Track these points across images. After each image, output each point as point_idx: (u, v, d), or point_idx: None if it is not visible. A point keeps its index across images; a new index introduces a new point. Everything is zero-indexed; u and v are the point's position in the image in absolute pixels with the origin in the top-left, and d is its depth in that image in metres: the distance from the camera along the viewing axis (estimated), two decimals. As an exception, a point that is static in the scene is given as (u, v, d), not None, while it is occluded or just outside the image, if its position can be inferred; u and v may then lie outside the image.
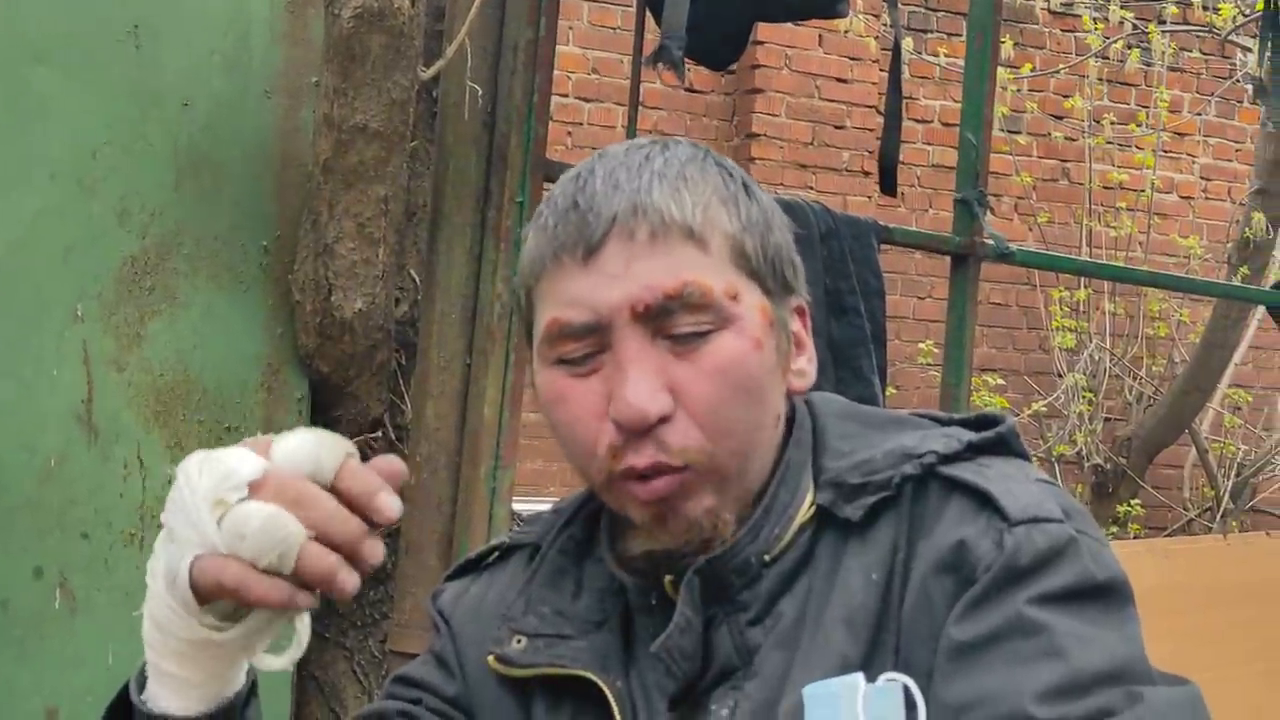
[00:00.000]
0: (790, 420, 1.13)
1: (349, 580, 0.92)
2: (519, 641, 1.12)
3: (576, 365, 1.06)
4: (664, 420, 1.03)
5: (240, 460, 0.94)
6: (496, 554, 1.24)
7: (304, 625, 0.99)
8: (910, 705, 0.95)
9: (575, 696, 1.10)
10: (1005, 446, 1.10)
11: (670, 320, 1.04)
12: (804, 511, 1.08)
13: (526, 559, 1.20)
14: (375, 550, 0.93)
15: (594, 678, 1.08)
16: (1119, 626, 0.98)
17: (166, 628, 0.97)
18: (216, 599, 0.94)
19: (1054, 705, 0.92)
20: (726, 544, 1.07)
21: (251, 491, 0.92)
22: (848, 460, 1.09)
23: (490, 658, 1.13)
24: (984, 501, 1.02)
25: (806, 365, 1.13)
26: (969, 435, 1.09)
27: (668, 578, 1.08)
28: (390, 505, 0.94)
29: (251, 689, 1.04)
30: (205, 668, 0.99)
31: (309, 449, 0.94)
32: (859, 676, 0.96)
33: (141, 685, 1.01)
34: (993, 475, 1.04)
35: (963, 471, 1.05)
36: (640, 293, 1.03)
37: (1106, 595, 0.99)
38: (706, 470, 1.04)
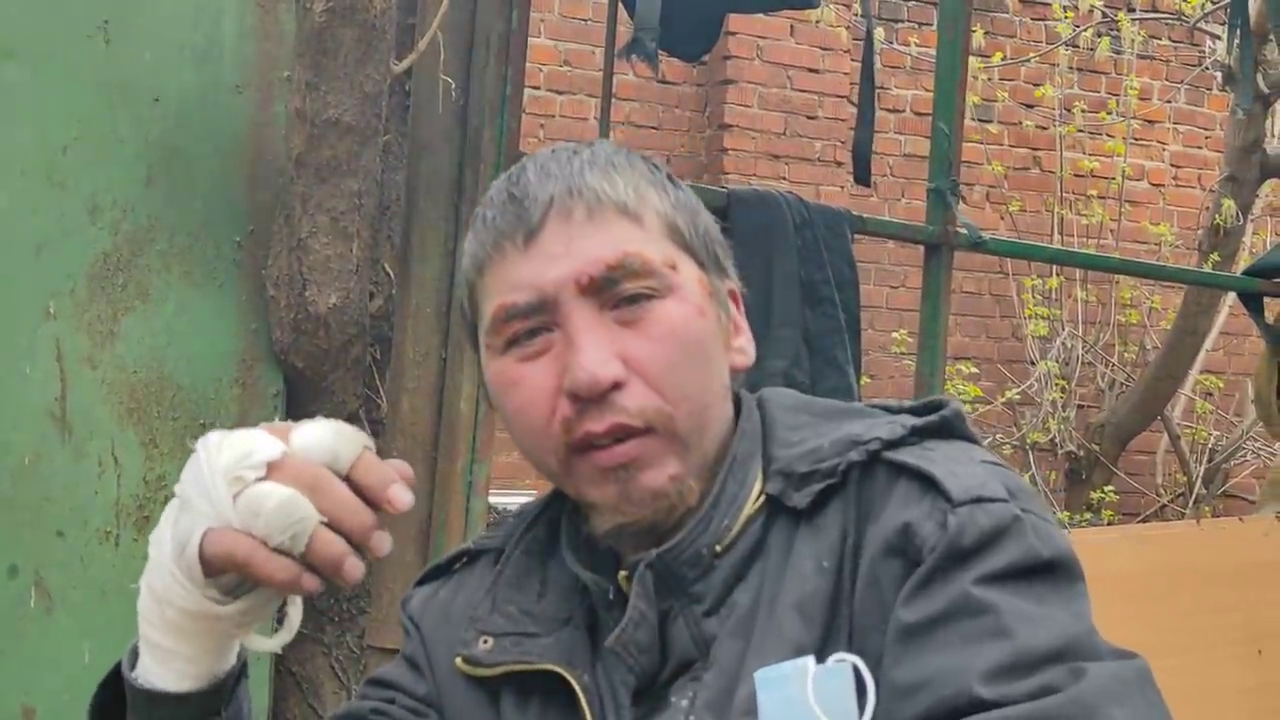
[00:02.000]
0: (736, 415, 1.14)
1: (356, 568, 0.94)
2: (486, 642, 1.13)
3: (525, 346, 1.08)
4: (618, 387, 1.05)
5: (260, 441, 0.96)
6: (464, 559, 1.25)
7: (296, 610, 1.00)
8: (860, 686, 0.96)
9: (543, 693, 1.11)
10: (950, 430, 1.11)
11: (615, 289, 1.06)
12: (752, 501, 1.09)
13: (491, 563, 1.21)
14: (383, 542, 0.95)
15: (562, 671, 1.09)
16: (1066, 604, 0.98)
17: (165, 597, 0.97)
18: (223, 572, 0.95)
19: (999, 684, 0.93)
20: (689, 519, 1.08)
21: (269, 472, 0.94)
22: (796, 449, 1.10)
23: (458, 659, 1.14)
24: (928, 484, 1.03)
25: (746, 344, 1.15)
26: (913, 420, 1.10)
27: (622, 573, 1.10)
28: (402, 497, 0.96)
29: (241, 669, 1.04)
30: (198, 643, 0.99)
31: (328, 439, 0.96)
32: (809, 659, 0.97)
33: (133, 663, 1.02)
34: (937, 458, 1.05)
35: (907, 456, 1.06)
36: (583, 266, 1.06)
37: (1053, 572, 1.00)
38: (668, 432, 1.06)
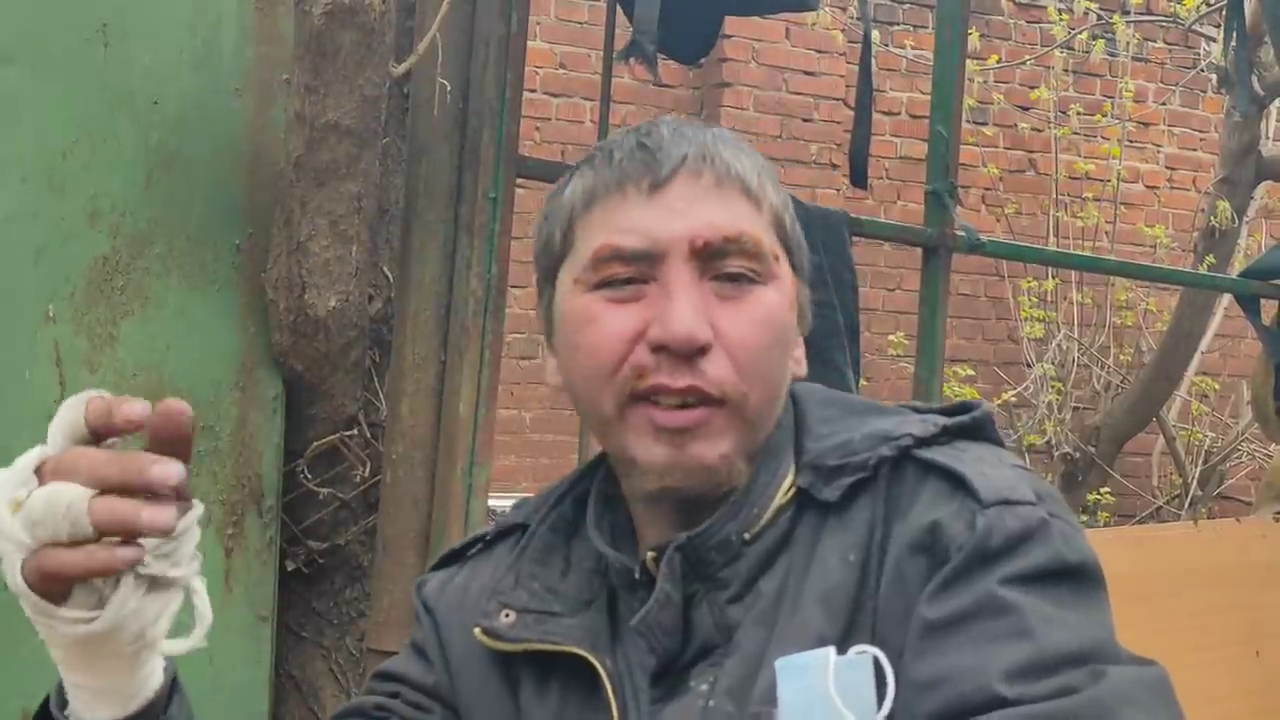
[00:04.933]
0: None
1: (158, 516, 0.88)
2: (507, 616, 1.13)
3: (617, 290, 1.08)
4: (704, 352, 1.05)
5: (22, 458, 0.92)
6: (481, 544, 1.25)
7: (203, 602, 0.95)
8: (880, 678, 0.96)
9: (563, 674, 1.12)
10: (980, 432, 1.12)
11: (721, 261, 1.08)
12: (784, 492, 1.10)
13: (514, 541, 1.21)
14: (168, 472, 0.89)
15: (587, 655, 1.10)
16: (1088, 609, 1.00)
17: (51, 640, 0.95)
18: (57, 589, 0.92)
19: (1020, 684, 0.94)
20: (721, 504, 1.08)
21: (42, 479, 0.90)
22: (827, 442, 1.11)
23: (477, 630, 1.14)
24: (958, 484, 1.04)
25: (801, 356, 1.17)
26: (945, 420, 1.11)
27: (650, 554, 1.10)
28: (133, 408, 0.90)
29: (173, 687, 1.02)
30: (108, 669, 0.97)
31: (60, 418, 0.92)
32: (830, 649, 0.98)
33: (62, 700, 1.01)
34: (967, 459, 1.06)
35: (938, 454, 1.07)
36: (701, 229, 1.07)
37: (1077, 577, 1.01)
38: (737, 410, 1.07)
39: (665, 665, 1.08)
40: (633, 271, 1.07)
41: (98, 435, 0.92)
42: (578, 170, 1.14)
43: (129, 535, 0.89)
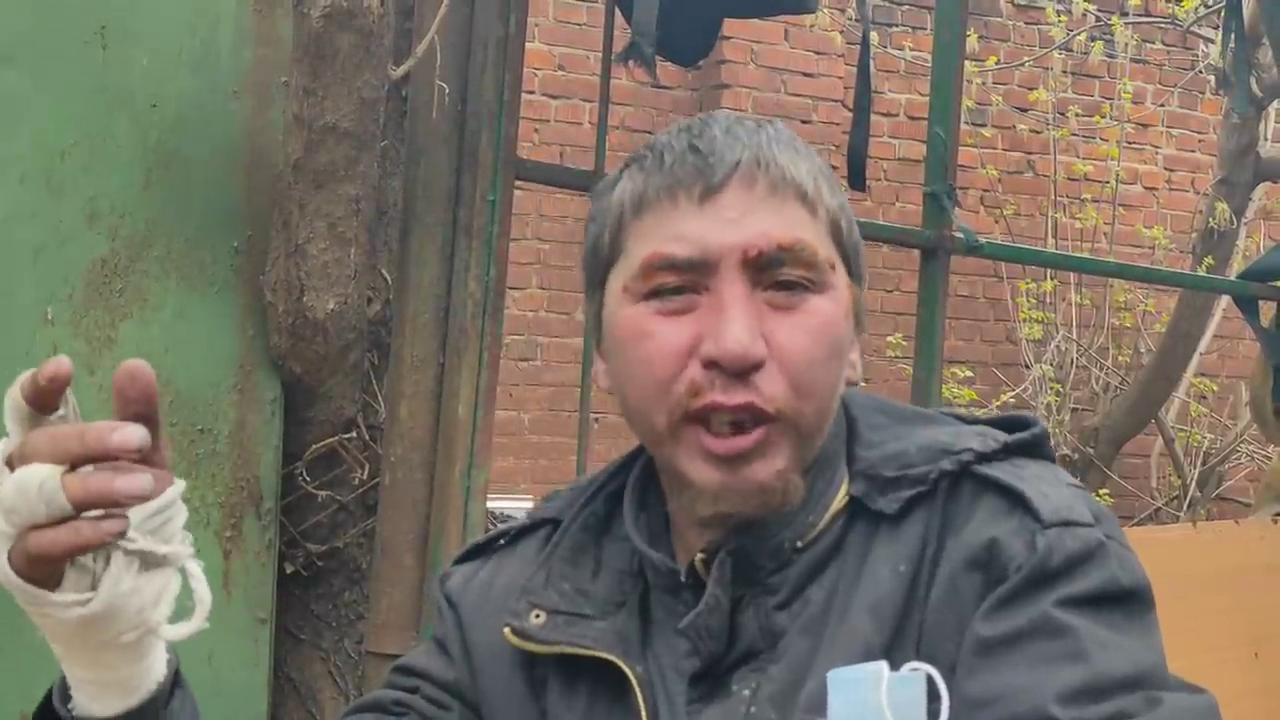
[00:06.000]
0: None
1: (132, 483, 0.88)
2: (538, 616, 1.12)
3: (667, 300, 1.05)
4: (757, 368, 1.03)
5: None
6: (507, 537, 1.24)
7: (201, 585, 0.94)
8: (933, 695, 0.95)
9: (591, 678, 1.10)
10: (1037, 449, 1.11)
11: (775, 271, 1.05)
12: (839, 500, 1.09)
13: (544, 537, 1.20)
14: (127, 436, 0.88)
15: (617, 661, 1.08)
16: (1142, 633, 1.00)
17: (50, 631, 0.95)
18: (47, 573, 0.90)
19: (1074, 707, 0.93)
20: (789, 507, 1.07)
21: (15, 466, 0.90)
22: (879, 452, 1.10)
23: (507, 629, 1.12)
24: (1017, 502, 1.03)
25: (858, 360, 1.14)
26: (1005, 436, 1.10)
27: (699, 556, 1.09)
28: (53, 370, 0.89)
29: (175, 681, 1.02)
30: (110, 660, 0.96)
31: (5, 407, 0.92)
32: (883, 664, 0.96)
33: (65, 695, 1.00)
34: (1027, 476, 1.06)
35: (996, 471, 1.06)
36: (754, 239, 1.04)
37: (1131, 601, 1.01)
38: (791, 425, 1.05)
39: (707, 667, 1.08)
40: (683, 281, 1.05)
41: (40, 407, 0.91)
42: (627, 170, 1.10)
43: (108, 506, 0.88)
